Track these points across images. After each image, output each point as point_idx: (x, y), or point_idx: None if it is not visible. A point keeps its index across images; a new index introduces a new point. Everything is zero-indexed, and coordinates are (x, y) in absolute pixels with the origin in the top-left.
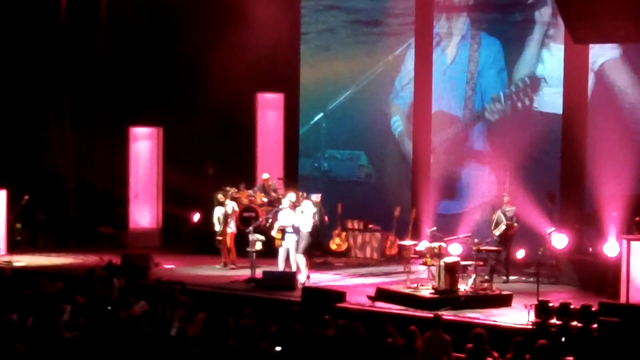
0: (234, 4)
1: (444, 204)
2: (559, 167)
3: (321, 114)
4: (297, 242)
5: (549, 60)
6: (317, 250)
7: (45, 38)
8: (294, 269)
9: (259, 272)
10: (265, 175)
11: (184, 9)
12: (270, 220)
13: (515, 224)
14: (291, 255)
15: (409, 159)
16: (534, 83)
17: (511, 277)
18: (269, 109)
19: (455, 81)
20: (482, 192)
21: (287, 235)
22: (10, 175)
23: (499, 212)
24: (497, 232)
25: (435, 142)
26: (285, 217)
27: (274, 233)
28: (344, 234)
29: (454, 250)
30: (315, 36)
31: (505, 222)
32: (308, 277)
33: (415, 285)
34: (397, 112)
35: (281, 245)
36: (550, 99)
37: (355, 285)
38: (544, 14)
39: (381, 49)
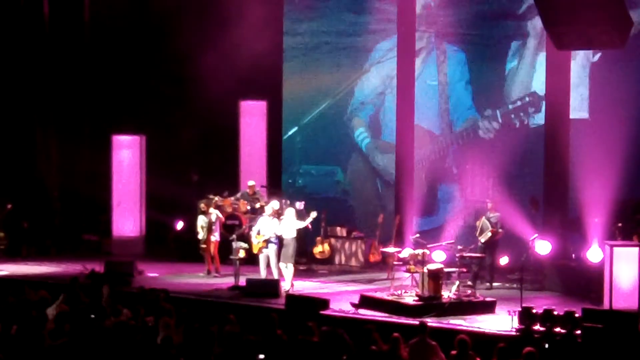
0: (217, 12)
1: (424, 220)
2: (542, 173)
3: (295, 128)
4: (278, 250)
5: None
6: (301, 257)
7: (28, 45)
8: (275, 276)
9: (242, 280)
10: (250, 182)
11: (167, 18)
12: (253, 228)
13: (500, 230)
14: (272, 262)
15: (382, 173)
16: (536, 101)
17: (495, 284)
18: (252, 116)
19: (427, 93)
20: (462, 206)
21: (269, 244)
22: None
23: (483, 219)
24: (482, 239)
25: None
26: (267, 225)
27: (253, 239)
28: (327, 240)
29: (438, 257)
30: (292, 49)
31: (490, 228)
32: (292, 285)
33: (399, 292)
34: (360, 124)
35: (261, 252)
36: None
37: (339, 292)
38: (536, 25)
39: (357, 62)
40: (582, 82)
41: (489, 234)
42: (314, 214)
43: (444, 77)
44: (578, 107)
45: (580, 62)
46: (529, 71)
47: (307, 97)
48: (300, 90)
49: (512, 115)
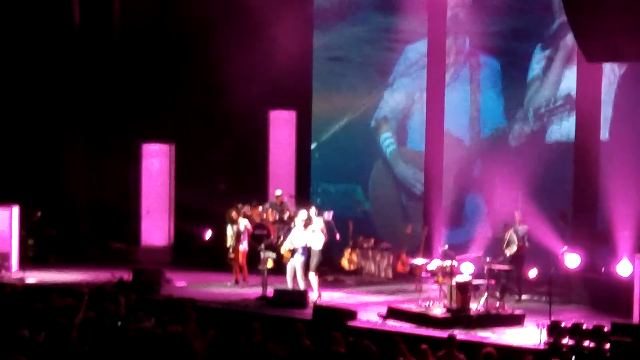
0: (247, 22)
1: (452, 233)
2: (571, 185)
3: (314, 144)
4: (305, 260)
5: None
6: (329, 268)
7: (57, 53)
8: (301, 287)
9: (270, 290)
10: (278, 192)
11: (197, 26)
12: (281, 238)
13: (527, 244)
14: (298, 273)
15: (405, 184)
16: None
17: (523, 296)
18: (281, 125)
19: (458, 101)
20: (490, 218)
21: (295, 254)
22: (22, 191)
23: (511, 231)
24: (508, 252)
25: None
26: (297, 235)
27: (283, 250)
28: (355, 251)
29: (466, 269)
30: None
31: (516, 242)
32: (319, 295)
33: (427, 303)
34: (387, 129)
35: (287, 262)
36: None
37: (367, 304)
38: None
39: (379, 76)
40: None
41: (515, 248)
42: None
43: (476, 85)
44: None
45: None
46: (557, 82)
47: (326, 113)
48: (319, 106)
49: (545, 119)
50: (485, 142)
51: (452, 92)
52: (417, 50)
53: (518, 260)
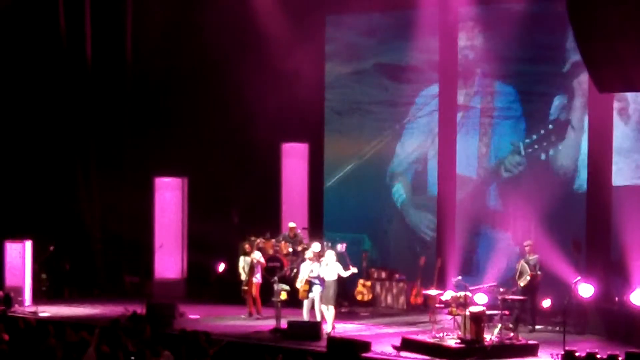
0: (259, 53)
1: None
2: (585, 215)
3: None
4: (322, 292)
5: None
6: (343, 299)
7: (70, 86)
8: (318, 318)
9: (284, 322)
10: (291, 224)
11: (210, 60)
12: (295, 270)
13: (539, 272)
14: (316, 305)
15: (417, 228)
16: (559, 128)
17: (537, 327)
18: (294, 158)
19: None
20: (503, 248)
21: (313, 286)
22: (35, 225)
23: (522, 262)
24: (522, 283)
25: None
26: (308, 268)
27: (298, 284)
28: (369, 283)
29: (480, 300)
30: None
31: (529, 272)
32: (333, 327)
33: (441, 334)
34: (399, 179)
35: (306, 297)
36: (573, 144)
37: (381, 335)
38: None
39: (388, 117)
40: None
41: (528, 278)
42: (354, 270)
43: (487, 124)
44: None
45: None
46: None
47: (332, 159)
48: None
49: (536, 146)
50: (495, 170)
51: (462, 135)
52: (428, 95)
53: (531, 290)
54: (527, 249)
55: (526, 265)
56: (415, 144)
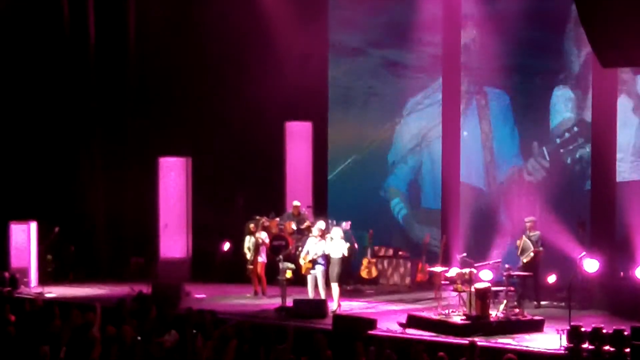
0: (262, 33)
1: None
2: (590, 192)
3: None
4: (325, 270)
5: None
6: (348, 277)
7: (73, 69)
8: (322, 296)
9: (289, 301)
10: (296, 203)
11: (211, 40)
12: (300, 249)
13: (541, 248)
14: (319, 283)
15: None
16: (584, 129)
17: (542, 302)
18: (298, 137)
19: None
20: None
21: (316, 264)
22: (40, 207)
23: (524, 238)
24: (525, 259)
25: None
26: (315, 245)
27: (302, 260)
28: (374, 261)
29: (485, 276)
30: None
31: (532, 248)
32: (339, 305)
33: (447, 311)
34: (395, 194)
35: (309, 273)
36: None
37: (387, 312)
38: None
39: (390, 113)
40: None
41: (532, 254)
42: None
43: (487, 124)
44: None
45: None
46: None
47: (336, 138)
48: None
49: (562, 150)
50: (504, 184)
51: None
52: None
53: (534, 266)
54: (528, 225)
55: (528, 242)
56: (417, 129)
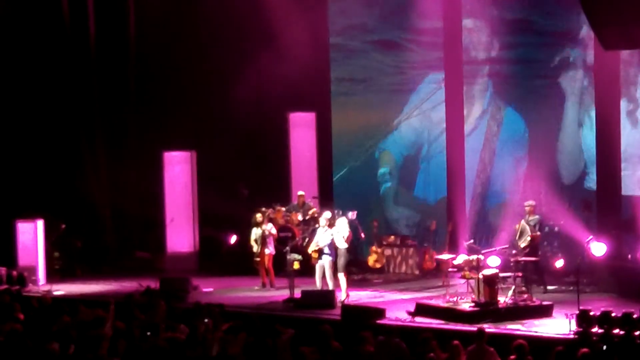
0: (263, 25)
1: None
2: (596, 174)
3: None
4: (333, 260)
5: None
6: (355, 267)
7: (75, 64)
8: (330, 287)
9: (297, 292)
10: (300, 193)
11: (213, 31)
12: (307, 240)
13: (539, 233)
14: (327, 273)
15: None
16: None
17: (550, 287)
18: (301, 127)
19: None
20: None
21: (323, 254)
22: (46, 204)
23: (522, 222)
24: (522, 244)
25: None
26: (322, 236)
27: (310, 250)
28: (380, 250)
29: (492, 262)
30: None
31: (529, 233)
32: (347, 295)
33: (455, 298)
34: (386, 162)
35: (316, 263)
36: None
37: (395, 301)
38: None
39: (394, 106)
40: None
41: (529, 239)
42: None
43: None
44: None
45: None
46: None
47: (339, 127)
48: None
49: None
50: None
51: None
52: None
53: (533, 250)
54: (527, 209)
55: (527, 226)
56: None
